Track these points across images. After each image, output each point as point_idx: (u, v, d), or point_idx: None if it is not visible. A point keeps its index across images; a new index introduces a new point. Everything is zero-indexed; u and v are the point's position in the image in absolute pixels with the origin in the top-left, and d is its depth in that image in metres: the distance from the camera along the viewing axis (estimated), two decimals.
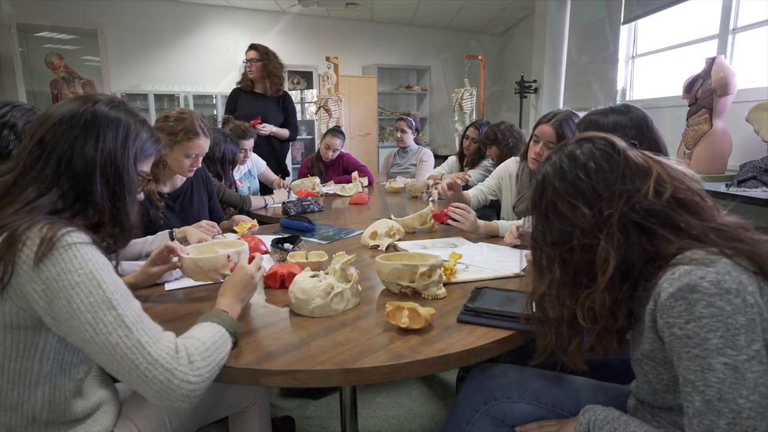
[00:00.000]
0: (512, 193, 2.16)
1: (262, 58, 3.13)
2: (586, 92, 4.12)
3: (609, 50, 3.75)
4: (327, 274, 1.15)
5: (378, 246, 1.63)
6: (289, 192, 2.71)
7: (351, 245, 1.71)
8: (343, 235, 1.89)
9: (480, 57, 5.20)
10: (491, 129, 2.97)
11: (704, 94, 2.24)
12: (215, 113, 5.20)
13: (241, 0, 5.10)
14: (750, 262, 0.71)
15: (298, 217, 2.07)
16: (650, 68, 3.54)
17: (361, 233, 1.77)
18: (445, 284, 1.22)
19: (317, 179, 3.00)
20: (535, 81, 4.93)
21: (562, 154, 0.86)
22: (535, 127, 1.87)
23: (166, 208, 1.78)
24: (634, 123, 1.24)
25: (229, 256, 1.17)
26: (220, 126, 2.86)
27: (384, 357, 0.88)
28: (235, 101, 3.25)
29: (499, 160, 2.72)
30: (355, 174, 3.09)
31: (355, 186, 2.99)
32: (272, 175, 3.02)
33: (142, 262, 1.28)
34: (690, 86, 2.32)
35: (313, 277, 1.13)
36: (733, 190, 1.94)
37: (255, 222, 1.91)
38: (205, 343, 0.80)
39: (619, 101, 3.64)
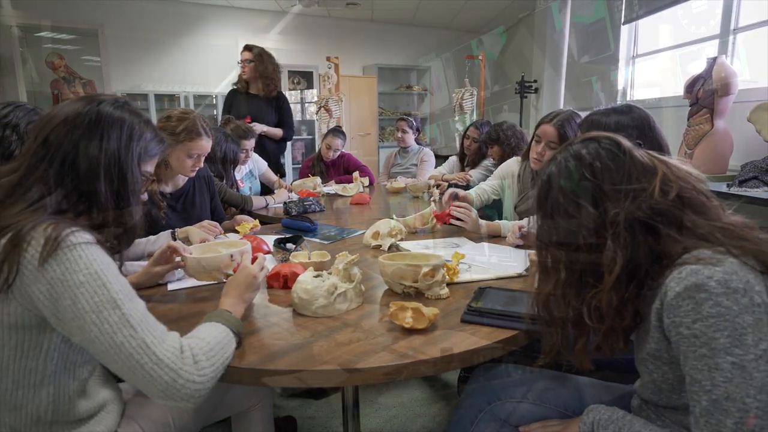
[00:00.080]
0: (514, 192, 2.16)
1: (255, 59, 3.14)
2: (586, 92, 4.12)
3: (610, 50, 3.76)
4: (330, 274, 1.15)
5: (380, 246, 1.63)
6: (290, 192, 2.71)
7: (353, 245, 1.71)
8: (345, 235, 1.89)
9: (480, 57, 5.19)
10: (493, 129, 2.97)
11: (705, 94, 2.24)
12: (215, 113, 5.20)
13: (241, 0, 5.09)
14: (757, 262, 0.71)
15: (299, 217, 2.07)
16: (650, 68, 3.54)
17: (363, 233, 1.77)
18: (448, 284, 1.22)
19: (318, 179, 3.00)
20: (535, 81, 4.92)
21: (568, 154, 0.86)
22: (536, 127, 1.87)
23: (169, 208, 1.78)
24: (636, 123, 1.24)
25: (232, 256, 1.17)
26: (220, 126, 2.85)
27: (387, 357, 0.88)
28: (231, 102, 3.26)
29: (501, 160, 2.72)
30: (356, 174, 3.10)
31: (356, 186, 2.99)
32: (273, 176, 3.02)
33: (144, 262, 1.28)
34: (691, 86, 2.32)
35: (316, 277, 1.13)
36: (735, 190, 1.94)
37: (257, 222, 1.91)
38: (210, 343, 0.80)
39: (620, 101, 3.64)
